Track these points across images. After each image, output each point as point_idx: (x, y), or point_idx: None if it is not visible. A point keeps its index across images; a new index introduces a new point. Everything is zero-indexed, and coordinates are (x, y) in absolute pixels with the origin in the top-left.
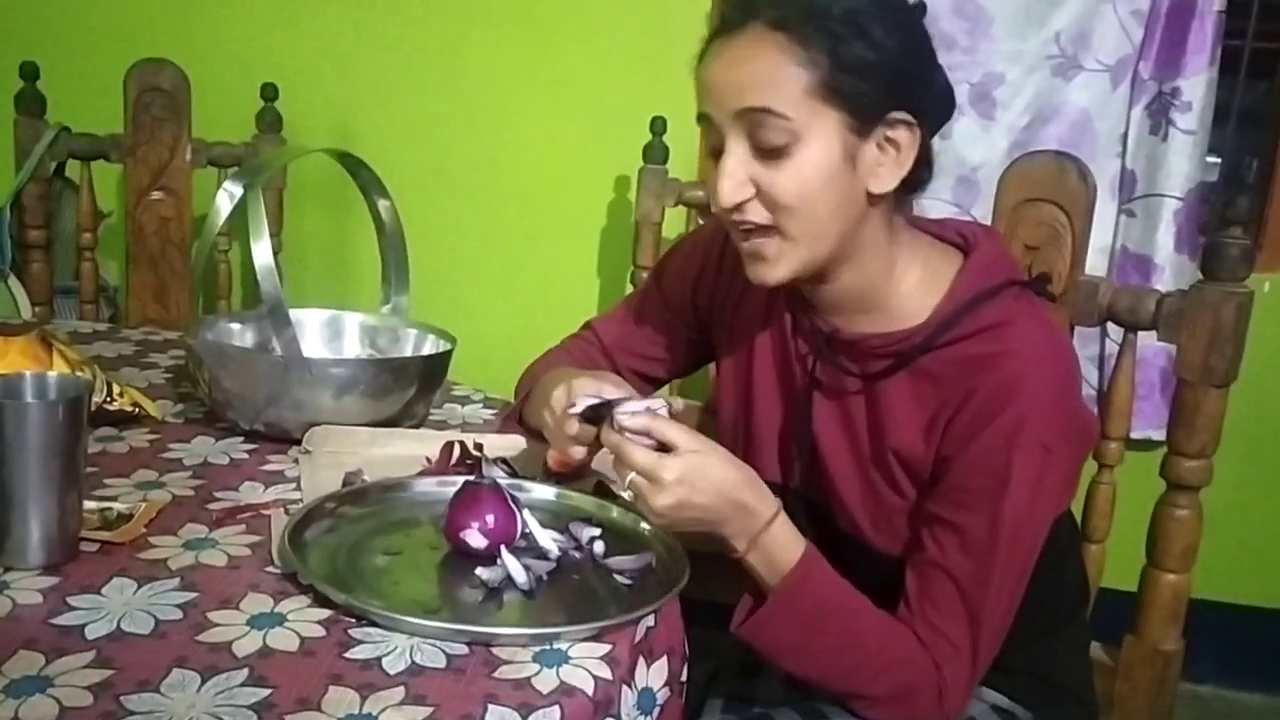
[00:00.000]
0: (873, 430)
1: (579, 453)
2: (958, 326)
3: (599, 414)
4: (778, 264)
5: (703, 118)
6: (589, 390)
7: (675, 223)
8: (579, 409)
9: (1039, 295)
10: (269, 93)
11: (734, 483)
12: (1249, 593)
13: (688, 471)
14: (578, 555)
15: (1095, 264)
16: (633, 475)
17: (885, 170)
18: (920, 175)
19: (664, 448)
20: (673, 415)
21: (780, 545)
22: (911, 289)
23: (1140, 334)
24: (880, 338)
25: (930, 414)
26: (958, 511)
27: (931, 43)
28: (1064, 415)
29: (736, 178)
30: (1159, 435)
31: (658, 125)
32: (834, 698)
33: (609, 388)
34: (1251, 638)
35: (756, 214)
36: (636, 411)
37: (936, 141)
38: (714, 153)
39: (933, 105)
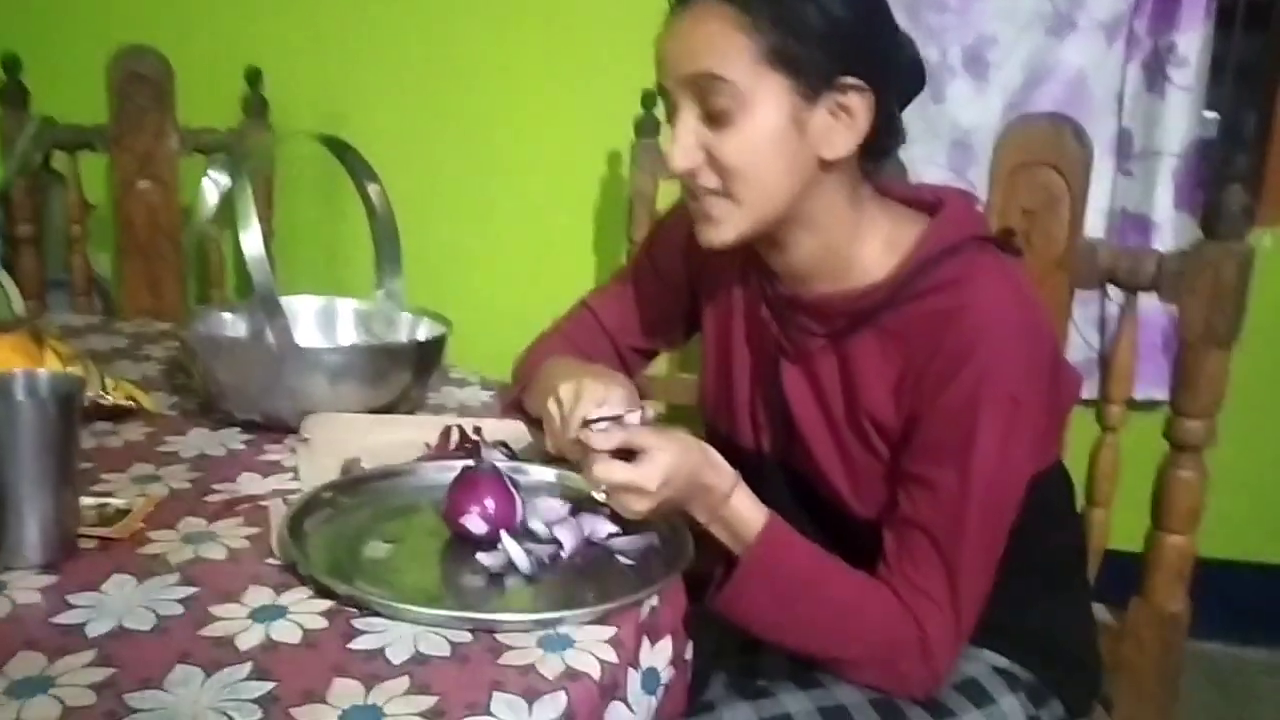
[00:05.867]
0: (846, 393)
1: (578, 455)
2: (919, 282)
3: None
4: (723, 226)
5: (661, 90)
6: (598, 397)
7: (670, 196)
8: (592, 419)
9: (1003, 250)
10: (253, 77)
11: (698, 468)
12: (1255, 550)
13: (665, 473)
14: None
15: (1094, 225)
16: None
17: (838, 136)
18: (885, 143)
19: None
20: (644, 421)
21: (740, 517)
22: (875, 253)
23: (1141, 295)
24: (841, 296)
25: (899, 372)
26: (928, 467)
27: (891, 14)
28: (1031, 366)
29: (686, 144)
30: (1162, 395)
31: (649, 99)
32: (819, 664)
33: (617, 392)
34: (1258, 594)
35: (707, 179)
36: (609, 429)
37: (929, 105)
38: (670, 122)
39: (896, 76)
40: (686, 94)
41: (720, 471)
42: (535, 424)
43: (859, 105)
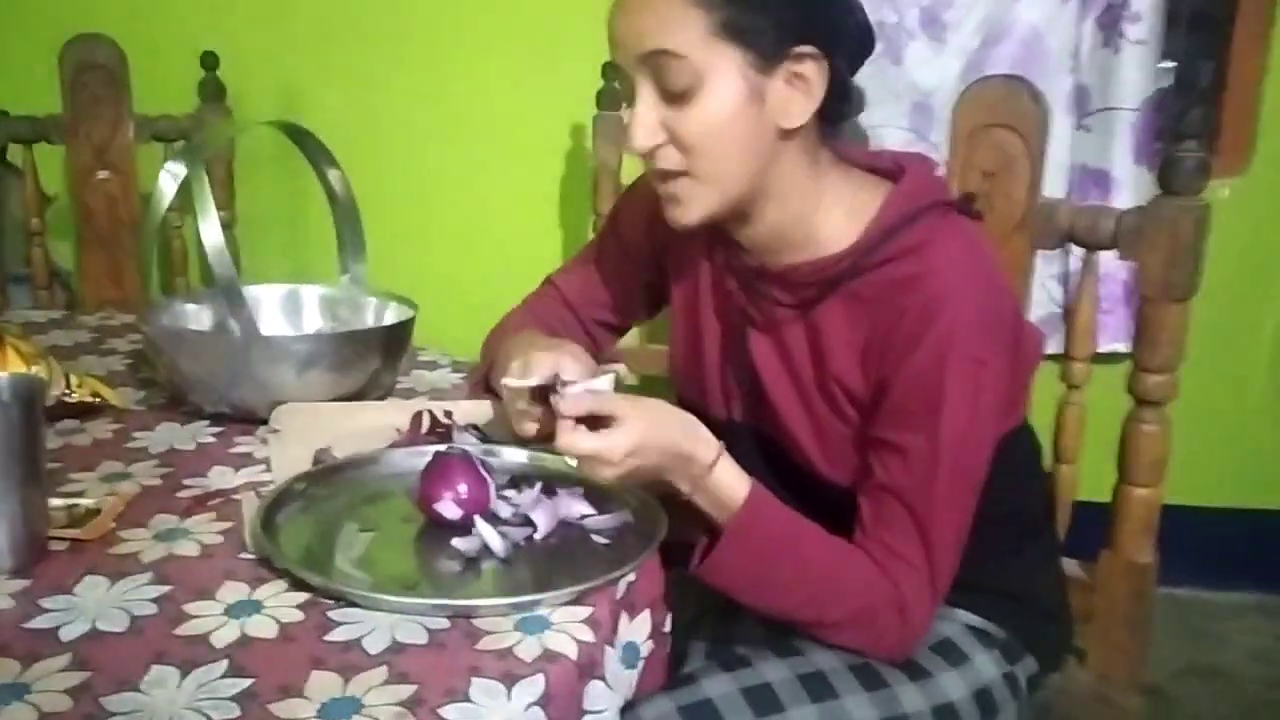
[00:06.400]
0: (814, 360)
1: (530, 428)
2: (883, 249)
3: (550, 389)
4: (690, 206)
5: (616, 69)
6: (546, 366)
7: (633, 168)
8: (525, 384)
9: (964, 214)
10: (209, 62)
11: (676, 438)
12: (1218, 495)
13: (633, 442)
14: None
15: (1054, 181)
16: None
17: (795, 105)
18: (839, 109)
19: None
20: (619, 385)
21: (724, 487)
22: (839, 221)
23: (1102, 252)
24: (808, 265)
25: (865, 338)
26: (898, 432)
27: None
28: (993, 327)
29: (647, 123)
30: (1125, 348)
31: (609, 70)
32: (799, 628)
33: (567, 362)
34: (1223, 538)
35: (669, 159)
36: (577, 395)
37: (888, 68)
38: (628, 101)
39: (847, 42)
40: (643, 72)
41: (702, 442)
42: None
43: (814, 72)
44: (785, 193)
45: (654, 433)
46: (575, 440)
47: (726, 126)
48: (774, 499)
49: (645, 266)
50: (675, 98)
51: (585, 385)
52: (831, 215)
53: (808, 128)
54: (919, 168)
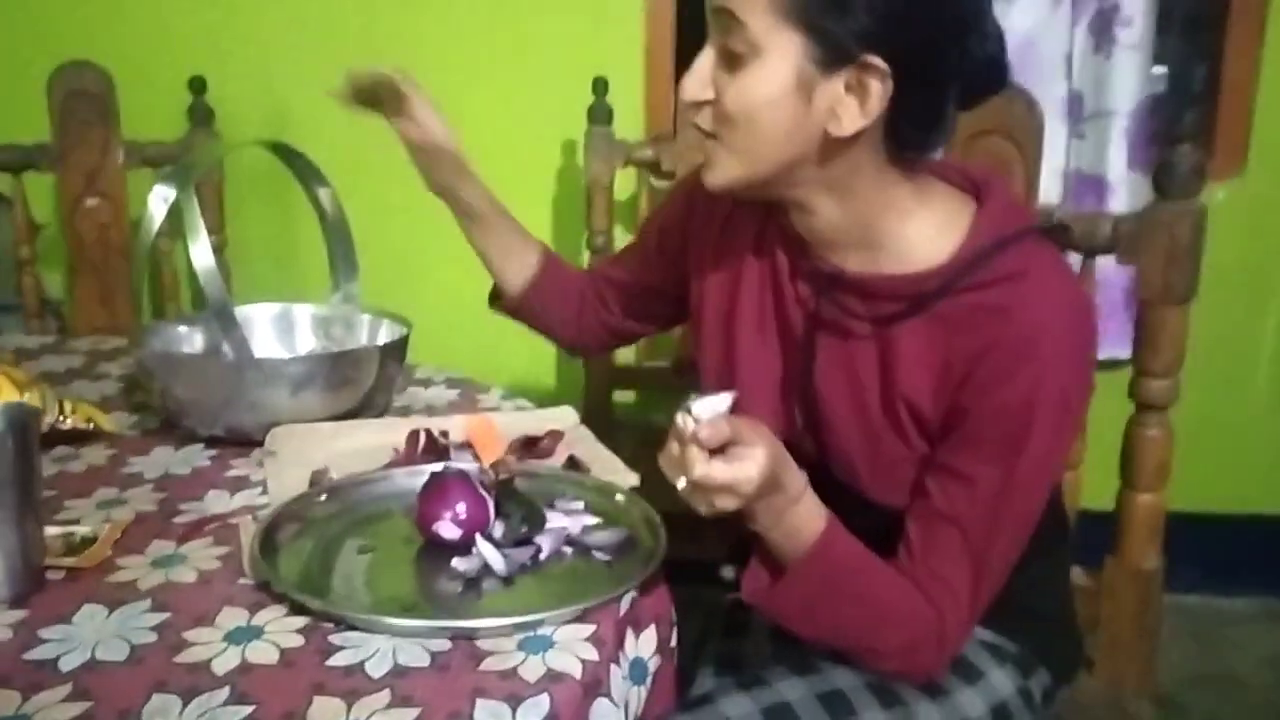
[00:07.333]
0: (883, 377)
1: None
2: (977, 272)
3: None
4: (716, 170)
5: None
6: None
7: (626, 184)
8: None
9: (1056, 243)
10: (197, 86)
11: (779, 466)
12: (1224, 501)
13: (763, 472)
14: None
15: (1049, 187)
16: (689, 481)
17: (846, 113)
18: (922, 137)
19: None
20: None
21: (804, 519)
22: (921, 231)
23: (1099, 257)
24: (893, 279)
25: (943, 360)
26: (970, 463)
27: (973, 9)
28: (1083, 371)
29: (701, 76)
30: (1125, 354)
31: (599, 86)
32: (841, 653)
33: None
34: (1231, 544)
35: (705, 119)
36: (716, 423)
37: None
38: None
39: (954, 73)
40: (715, 25)
41: (794, 471)
42: None
43: (876, 88)
44: (843, 192)
45: (769, 461)
46: (711, 471)
47: (763, 109)
48: (845, 532)
49: (665, 274)
50: (730, 61)
51: (711, 405)
52: (911, 223)
53: (873, 142)
54: (1001, 188)
